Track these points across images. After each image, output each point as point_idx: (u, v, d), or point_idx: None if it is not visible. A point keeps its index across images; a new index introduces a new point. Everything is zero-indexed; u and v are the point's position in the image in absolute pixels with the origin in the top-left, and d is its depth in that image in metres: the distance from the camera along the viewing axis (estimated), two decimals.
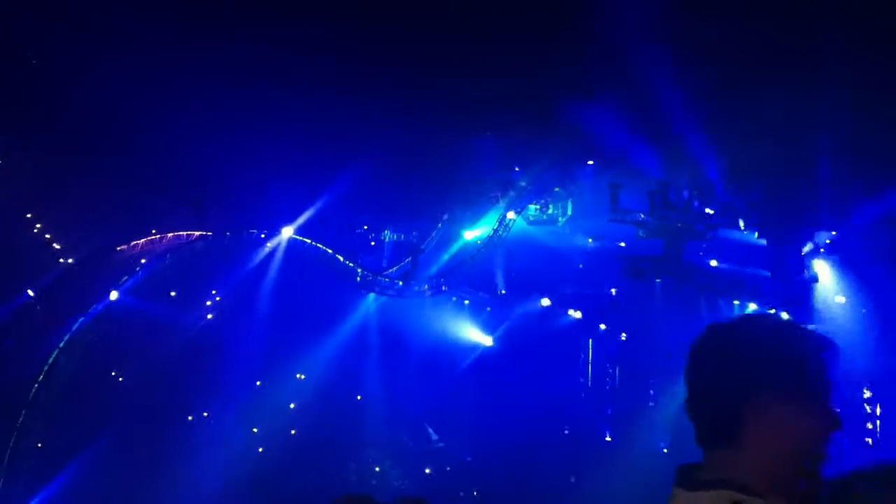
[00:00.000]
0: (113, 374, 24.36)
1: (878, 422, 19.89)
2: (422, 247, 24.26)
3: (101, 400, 22.94)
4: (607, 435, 25.81)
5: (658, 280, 21.92)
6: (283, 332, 24.84)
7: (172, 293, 24.74)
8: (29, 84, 18.36)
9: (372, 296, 24.90)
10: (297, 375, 26.47)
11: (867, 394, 19.96)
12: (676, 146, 17.55)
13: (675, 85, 14.92)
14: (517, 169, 22.66)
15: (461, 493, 25.45)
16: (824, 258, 19.56)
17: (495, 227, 22.93)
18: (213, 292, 25.90)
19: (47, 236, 23.28)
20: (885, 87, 14.46)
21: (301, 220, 22.81)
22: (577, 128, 17.74)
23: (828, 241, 19.26)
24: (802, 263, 19.23)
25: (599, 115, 16.80)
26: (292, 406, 26.28)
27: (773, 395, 2.27)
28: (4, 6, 16.01)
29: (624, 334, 26.41)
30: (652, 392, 25.09)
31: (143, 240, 23.13)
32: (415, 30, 16.46)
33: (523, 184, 22.69)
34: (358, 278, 23.57)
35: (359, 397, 26.91)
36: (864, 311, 19.51)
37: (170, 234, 23.27)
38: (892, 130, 15.42)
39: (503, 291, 26.17)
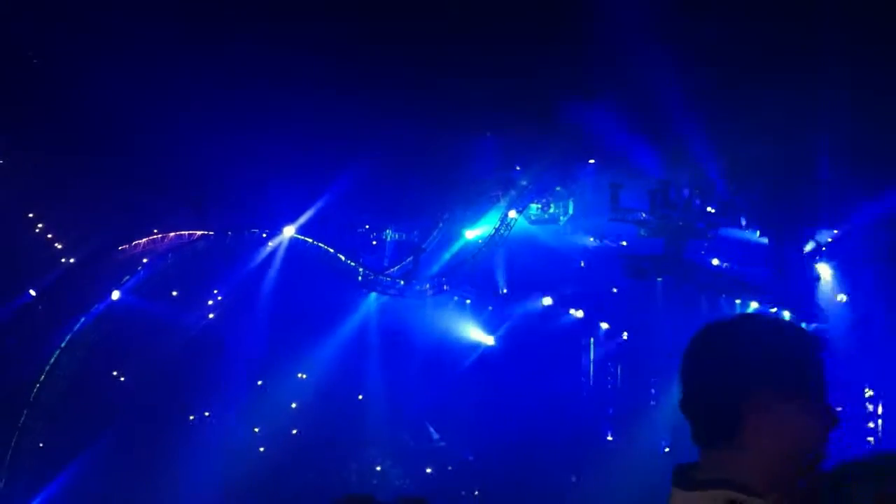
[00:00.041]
0: (114, 373, 24.32)
1: (879, 420, 19.92)
2: (423, 246, 24.23)
3: (103, 400, 22.93)
4: (609, 434, 25.82)
5: (659, 279, 21.91)
6: (285, 331, 24.83)
7: (174, 293, 24.69)
8: (29, 84, 18.35)
9: (373, 295, 24.88)
10: (299, 375, 26.43)
11: (869, 392, 19.99)
12: (677, 145, 17.56)
13: (676, 85, 14.92)
14: (518, 168, 22.63)
15: (462, 493, 25.44)
16: (825, 258, 19.57)
17: (497, 227, 22.89)
18: (215, 292, 25.86)
19: (48, 236, 23.25)
20: (885, 87, 14.48)
21: (302, 219, 22.76)
22: (578, 127, 17.73)
23: (829, 240, 19.27)
24: (804, 262, 19.23)
25: (600, 114, 16.80)
26: (294, 406, 26.26)
27: (773, 393, 2.23)
28: (4, 6, 16.02)
29: (625, 333, 26.40)
30: (653, 391, 25.08)
31: (144, 239, 23.07)
32: (415, 30, 16.46)
33: (524, 183, 22.66)
34: (359, 278, 23.57)
35: (360, 397, 26.89)
36: (864, 310, 19.52)
37: (171, 234, 23.22)
38: (892, 130, 15.43)
39: (504, 291, 26.16)
